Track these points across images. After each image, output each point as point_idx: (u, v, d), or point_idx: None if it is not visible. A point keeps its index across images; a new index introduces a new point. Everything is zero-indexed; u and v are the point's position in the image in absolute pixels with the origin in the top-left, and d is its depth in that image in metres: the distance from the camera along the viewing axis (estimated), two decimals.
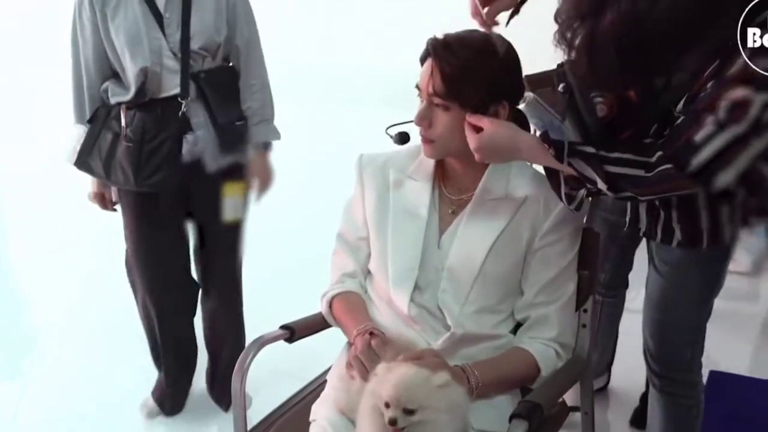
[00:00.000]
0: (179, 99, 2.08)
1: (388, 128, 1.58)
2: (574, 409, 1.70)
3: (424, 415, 1.25)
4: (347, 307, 1.56)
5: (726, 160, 1.23)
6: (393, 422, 1.25)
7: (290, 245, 3.77)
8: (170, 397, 2.53)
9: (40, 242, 4.21)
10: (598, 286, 1.65)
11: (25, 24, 7.68)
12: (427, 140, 1.48)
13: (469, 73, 1.40)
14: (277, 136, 2.28)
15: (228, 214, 2.21)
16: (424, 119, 1.45)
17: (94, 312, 3.27)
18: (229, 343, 2.43)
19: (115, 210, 2.30)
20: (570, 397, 1.67)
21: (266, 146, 2.26)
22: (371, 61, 6.77)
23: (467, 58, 1.40)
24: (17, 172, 5.01)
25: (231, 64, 2.21)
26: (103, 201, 2.28)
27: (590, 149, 1.34)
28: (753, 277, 3.27)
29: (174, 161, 2.09)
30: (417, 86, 1.47)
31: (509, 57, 1.45)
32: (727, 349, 2.29)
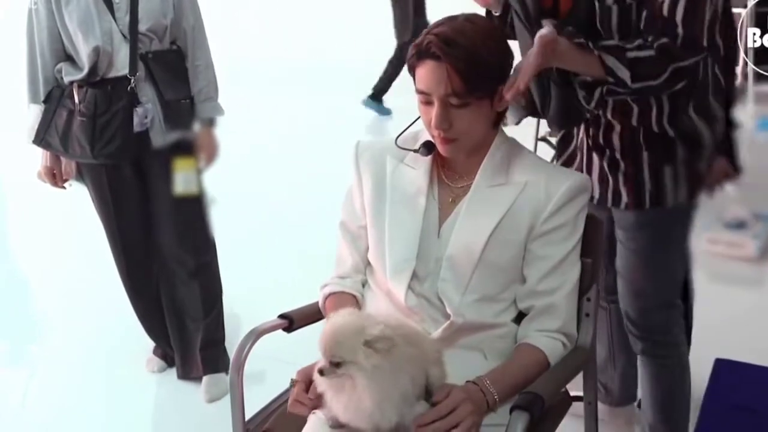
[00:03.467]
0: (128, 75, 2.25)
1: (397, 138, 1.54)
2: (577, 398, 1.67)
3: (347, 369, 1.20)
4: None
5: (697, 18, 1.45)
6: (321, 372, 1.22)
7: (290, 234, 3.76)
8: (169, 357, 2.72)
9: (42, 227, 4.21)
10: (600, 273, 1.63)
11: None
12: (448, 140, 1.42)
13: (482, 63, 1.35)
14: (221, 112, 2.45)
15: (179, 186, 2.36)
16: (445, 121, 1.39)
17: (98, 296, 3.27)
18: (191, 316, 2.55)
19: (64, 188, 2.44)
20: (572, 387, 1.64)
21: (211, 122, 2.44)
22: (370, 56, 6.76)
23: (475, 50, 1.34)
24: (17, 158, 5.00)
25: (177, 47, 2.38)
26: (54, 178, 2.41)
27: (612, 42, 1.51)
28: (759, 264, 3.24)
29: (126, 132, 2.25)
30: (420, 91, 1.40)
31: (499, 30, 1.41)
32: (733, 336, 2.27)
